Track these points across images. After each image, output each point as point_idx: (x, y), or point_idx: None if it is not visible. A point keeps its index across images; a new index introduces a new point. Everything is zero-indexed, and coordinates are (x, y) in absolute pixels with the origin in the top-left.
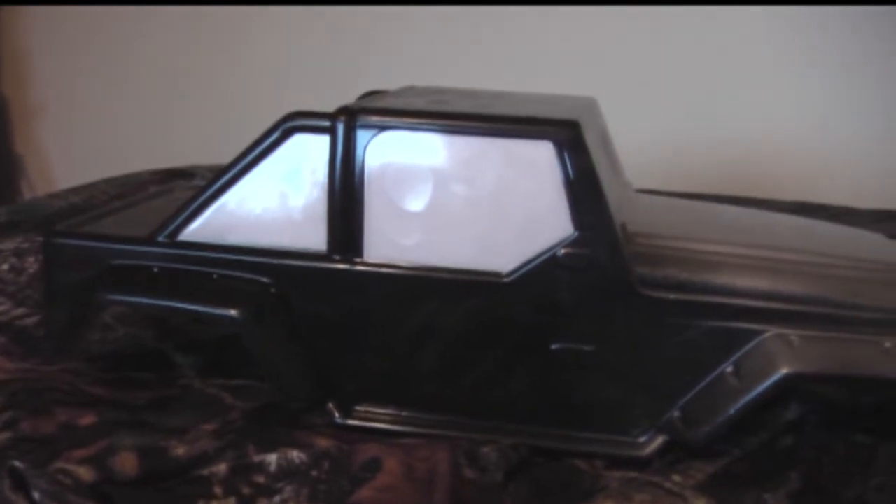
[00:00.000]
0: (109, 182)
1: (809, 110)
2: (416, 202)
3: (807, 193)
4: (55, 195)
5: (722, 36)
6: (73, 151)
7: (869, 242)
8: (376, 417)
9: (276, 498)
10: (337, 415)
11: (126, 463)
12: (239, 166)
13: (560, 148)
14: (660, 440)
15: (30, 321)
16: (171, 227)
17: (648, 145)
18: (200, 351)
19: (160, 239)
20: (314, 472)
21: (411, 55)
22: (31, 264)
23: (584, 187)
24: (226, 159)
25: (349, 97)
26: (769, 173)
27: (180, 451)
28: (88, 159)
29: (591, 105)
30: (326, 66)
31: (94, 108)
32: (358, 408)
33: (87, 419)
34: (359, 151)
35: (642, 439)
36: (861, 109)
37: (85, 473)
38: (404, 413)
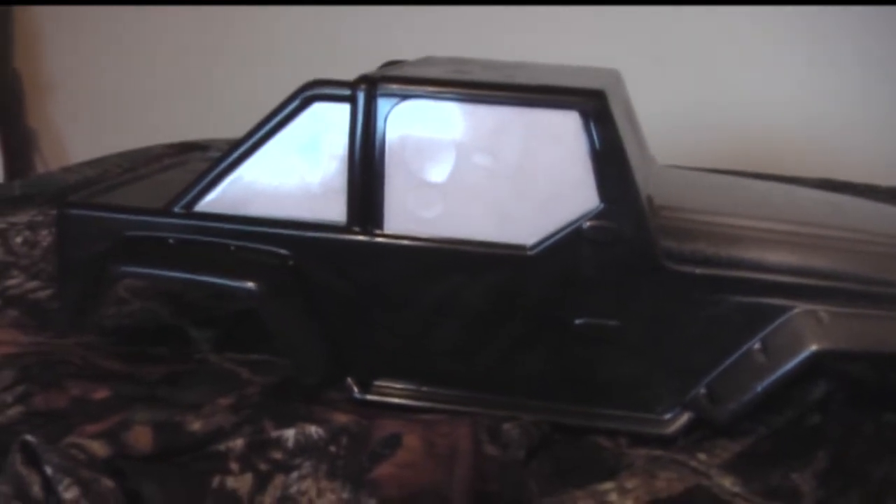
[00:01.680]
0: (123, 156)
1: (835, 88)
2: (438, 173)
3: (831, 171)
4: (68, 169)
5: (748, 11)
6: (87, 126)
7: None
8: (396, 393)
9: (294, 474)
10: (356, 390)
11: (140, 438)
12: (257, 136)
13: (586, 118)
14: (685, 418)
15: (43, 294)
16: (188, 198)
17: (670, 122)
18: (216, 325)
19: (176, 210)
20: (332, 448)
21: (430, 26)
22: (45, 237)
23: (610, 159)
24: (242, 134)
25: (367, 68)
26: (793, 150)
27: (196, 426)
28: (102, 134)
29: (615, 77)
30: (344, 38)
31: (108, 83)
32: (377, 383)
33: (101, 393)
34: (379, 121)
35: (667, 417)
36: (886, 87)
37: (98, 448)
38: (424, 388)
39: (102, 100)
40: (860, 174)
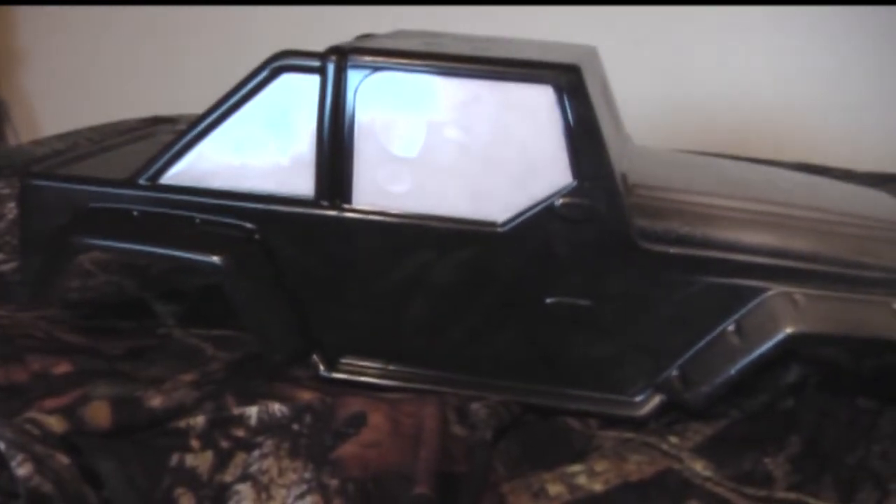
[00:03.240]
0: (95, 130)
1: (811, 72)
2: (409, 147)
3: (808, 155)
4: (38, 142)
5: None
6: (60, 99)
7: (875, 201)
8: (363, 371)
9: (256, 452)
10: (321, 367)
11: (98, 413)
12: (224, 107)
13: (560, 93)
14: (657, 400)
15: (7, 267)
16: (153, 170)
17: (649, 102)
18: (182, 299)
19: (140, 182)
20: (296, 426)
21: (409, 3)
22: (11, 210)
23: (584, 135)
24: None
25: (342, 40)
26: (770, 134)
27: (156, 401)
28: (75, 107)
29: (591, 53)
30: (321, 12)
31: (83, 55)
32: (343, 360)
33: (62, 368)
34: (349, 93)
35: (639, 399)
36: (863, 71)
37: (55, 423)
38: (392, 367)
39: (77, 73)
40: (838, 159)
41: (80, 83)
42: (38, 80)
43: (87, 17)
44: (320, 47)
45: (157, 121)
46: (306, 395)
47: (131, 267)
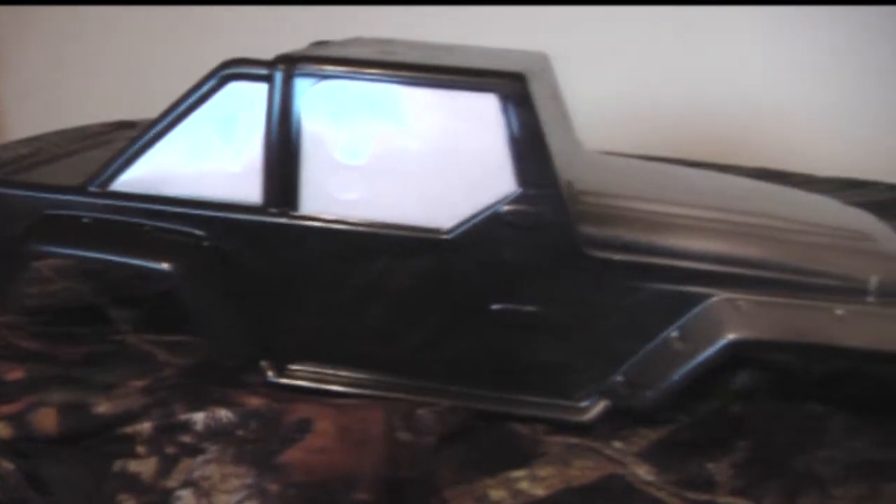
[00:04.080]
0: (60, 134)
1: (773, 77)
2: (356, 155)
3: (770, 161)
4: (3, 146)
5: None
6: (29, 102)
7: (824, 208)
8: (312, 377)
9: (200, 458)
10: (271, 373)
11: (45, 420)
12: (174, 114)
13: (505, 101)
14: (603, 405)
15: None
16: (104, 177)
17: (609, 108)
18: (137, 305)
19: (92, 188)
20: (241, 432)
21: (367, 8)
22: None
23: (528, 143)
24: None
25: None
26: (731, 139)
27: (103, 408)
28: (44, 111)
29: (541, 60)
30: (290, 18)
31: (50, 58)
32: (293, 366)
33: (15, 374)
34: (297, 101)
35: (585, 404)
36: (825, 77)
37: (3, 430)
38: (341, 373)
39: (46, 75)
40: (801, 164)
41: (49, 86)
42: (4, 84)
43: (56, 19)
44: (288, 49)
45: (121, 125)
46: (254, 401)
47: (89, 273)
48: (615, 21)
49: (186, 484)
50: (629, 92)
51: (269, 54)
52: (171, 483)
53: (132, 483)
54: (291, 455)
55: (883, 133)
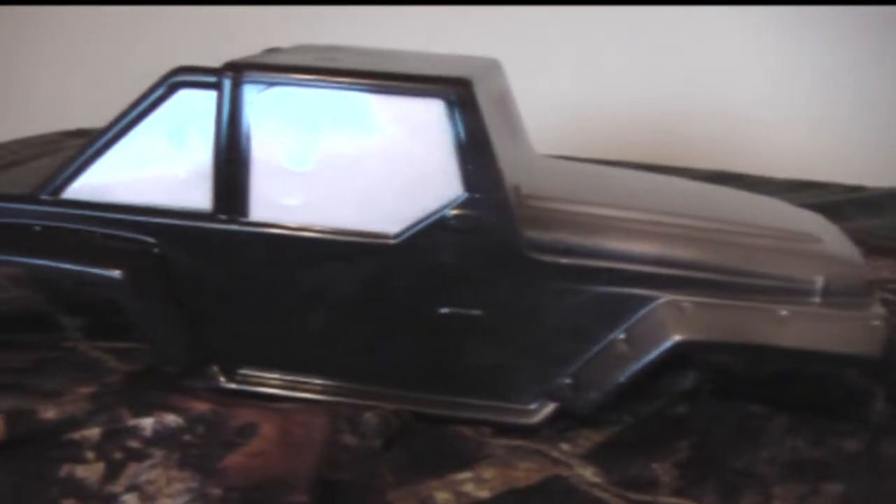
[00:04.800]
0: (20, 143)
1: (730, 79)
2: (303, 161)
3: (727, 162)
4: None
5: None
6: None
7: (770, 209)
8: (260, 381)
9: (146, 462)
10: (220, 378)
11: None
12: (123, 122)
13: (450, 106)
14: (549, 408)
15: None
16: (54, 185)
17: (566, 112)
18: (89, 312)
19: (42, 196)
20: (187, 437)
21: (321, 14)
22: None
23: (474, 148)
24: None
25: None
26: (689, 142)
27: (50, 413)
28: (8, 119)
29: (490, 65)
30: (258, 28)
31: (14, 66)
32: (241, 371)
33: None
34: (245, 108)
35: (531, 407)
36: (784, 79)
37: None
38: (289, 377)
39: (10, 84)
40: (758, 165)
41: (12, 93)
42: None
43: (16, 24)
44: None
45: (78, 133)
46: (201, 406)
47: (41, 281)
48: (569, 24)
49: (132, 488)
50: (586, 95)
51: (225, 58)
52: (116, 488)
53: (77, 488)
54: (233, 459)
55: (841, 134)
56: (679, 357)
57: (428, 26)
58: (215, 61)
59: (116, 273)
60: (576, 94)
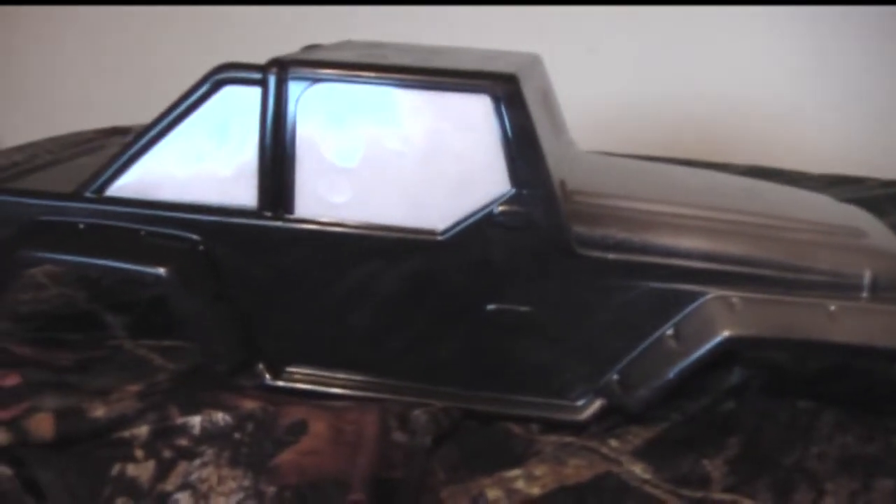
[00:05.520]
0: (54, 141)
1: (764, 75)
2: (349, 157)
3: (762, 158)
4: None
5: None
6: (23, 109)
7: (816, 204)
8: (307, 379)
9: (197, 461)
10: (267, 376)
11: (41, 425)
12: (167, 120)
13: (497, 102)
14: (598, 404)
15: None
16: (98, 182)
17: (603, 108)
18: (132, 311)
19: (87, 194)
20: (237, 435)
21: (357, 13)
22: None
23: (521, 143)
24: None
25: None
26: (724, 137)
27: (99, 412)
28: (38, 117)
29: (533, 61)
30: (290, 22)
31: (45, 63)
32: (289, 369)
33: (11, 380)
34: (290, 104)
35: (580, 403)
36: (816, 74)
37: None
38: (336, 375)
39: (41, 83)
40: (796, 162)
41: (42, 92)
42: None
43: (49, 23)
44: (280, 52)
45: (115, 131)
46: (250, 404)
47: (84, 279)
48: (607, 21)
49: (184, 487)
50: (622, 92)
51: (260, 58)
52: (168, 486)
53: (130, 487)
54: (285, 457)
55: (875, 129)
56: (727, 354)
57: (463, 24)
58: (251, 58)
59: (162, 271)
60: (609, 91)
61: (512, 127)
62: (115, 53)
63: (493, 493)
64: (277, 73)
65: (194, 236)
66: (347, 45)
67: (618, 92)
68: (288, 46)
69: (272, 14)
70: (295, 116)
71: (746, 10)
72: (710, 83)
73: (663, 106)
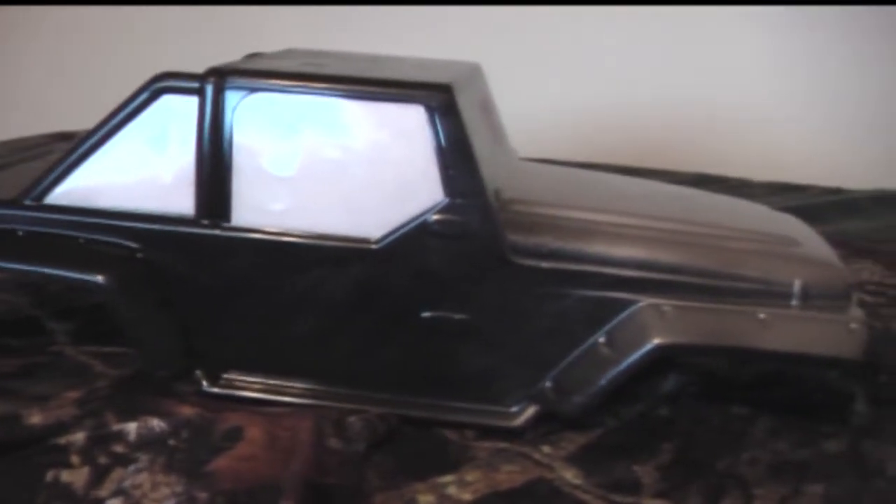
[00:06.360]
0: (4, 145)
1: (709, 80)
2: (286, 166)
3: (706, 166)
4: None
5: (631, 10)
6: None
7: (750, 213)
8: (244, 386)
9: (131, 467)
10: (204, 383)
11: None
12: (107, 127)
13: (431, 112)
14: (532, 411)
15: None
16: (38, 190)
17: (547, 116)
18: (75, 317)
19: (26, 202)
20: (172, 441)
21: (304, 19)
22: None
23: (455, 153)
24: None
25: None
26: (670, 145)
27: (36, 419)
28: None
29: (472, 70)
30: (234, 30)
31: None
32: (227, 376)
33: None
34: (228, 113)
35: (514, 410)
36: (765, 81)
37: None
38: (273, 381)
39: None
40: (739, 168)
41: None
42: None
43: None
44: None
45: (63, 136)
46: (187, 411)
47: (27, 285)
48: (547, 26)
49: (117, 493)
50: (568, 99)
51: (214, 64)
52: (102, 492)
53: (64, 493)
54: (220, 463)
55: (819, 137)
56: (662, 360)
57: (417, 27)
58: (202, 64)
59: (100, 278)
60: (556, 98)
61: (446, 137)
62: (70, 56)
63: (425, 499)
64: (215, 82)
65: (133, 244)
66: (289, 53)
67: (563, 99)
68: (244, 52)
69: (229, 20)
70: (232, 125)
71: (690, 17)
72: (654, 90)
73: (609, 114)
